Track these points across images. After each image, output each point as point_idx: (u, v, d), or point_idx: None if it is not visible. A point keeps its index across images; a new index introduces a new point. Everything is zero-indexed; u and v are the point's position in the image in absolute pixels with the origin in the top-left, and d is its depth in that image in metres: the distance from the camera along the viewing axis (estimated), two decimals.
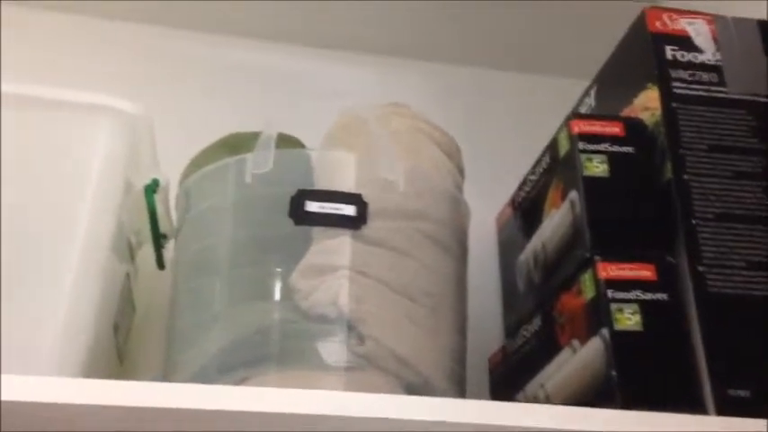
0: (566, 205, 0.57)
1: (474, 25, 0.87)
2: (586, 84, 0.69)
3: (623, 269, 0.50)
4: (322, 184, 0.57)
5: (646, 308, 0.49)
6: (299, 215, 0.54)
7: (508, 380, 0.64)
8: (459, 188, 0.65)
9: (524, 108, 0.86)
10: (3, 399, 0.43)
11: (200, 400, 0.43)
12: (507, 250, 0.73)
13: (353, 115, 0.65)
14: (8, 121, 0.54)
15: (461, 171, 0.67)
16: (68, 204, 0.53)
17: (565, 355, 0.54)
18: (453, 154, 0.67)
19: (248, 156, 0.56)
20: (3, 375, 0.43)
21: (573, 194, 0.56)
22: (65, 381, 0.45)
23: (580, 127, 0.57)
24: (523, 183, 0.68)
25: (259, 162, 0.56)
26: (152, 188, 0.63)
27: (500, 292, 0.73)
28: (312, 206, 0.54)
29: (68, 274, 0.51)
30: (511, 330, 0.66)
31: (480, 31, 0.86)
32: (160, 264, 0.68)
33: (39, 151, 0.54)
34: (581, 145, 0.56)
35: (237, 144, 0.67)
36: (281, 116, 0.74)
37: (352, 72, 0.86)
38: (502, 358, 0.68)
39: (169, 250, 0.67)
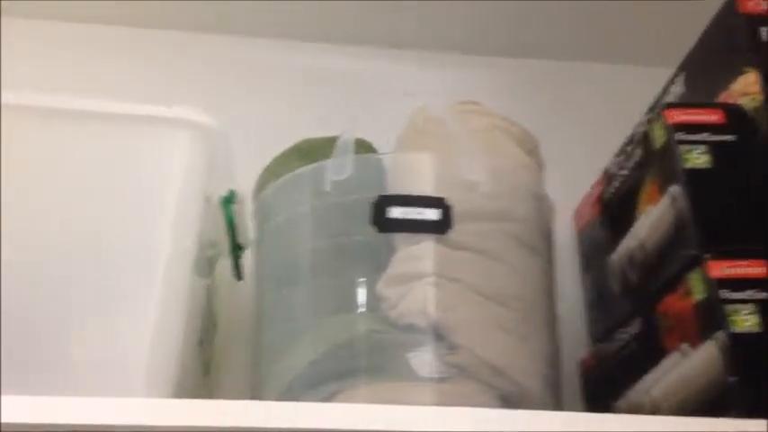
0: (665, 201, 0.54)
1: (540, 17, 0.84)
2: (651, 71, 0.66)
3: (735, 267, 0.47)
4: (398, 188, 0.55)
5: (764, 307, 0.46)
6: (381, 222, 0.52)
7: (604, 385, 0.61)
8: (541, 185, 0.63)
9: (594, 99, 0.83)
10: (98, 422, 0.43)
11: (296, 419, 0.42)
12: (591, 249, 0.69)
13: (427, 116, 0.63)
14: (89, 137, 0.53)
15: (541, 167, 0.64)
16: (150, 220, 0.52)
17: (672, 359, 0.51)
18: (533, 150, 0.64)
19: (326, 163, 0.55)
20: (96, 399, 0.42)
21: (673, 189, 0.52)
22: (157, 402, 0.45)
23: (676, 116, 0.53)
24: (610, 178, 0.65)
25: (338, 169, 0.54)
26: (229, 199, 0.63)
27: (583, 293, 0.71)
28: (395, 212, 0.52)
29: (154, 291, 0.50)
30: (601, 333, 0.63)
31: (542, 22, 0.83)
32: (237, 275, 0.68)
33: (118, 167, 0.53)
34: (679, 136, 0.52)
35: (310, 150, 0.66)
36: (340, 118, 0.76)
37: (420, 71, 0.83)
38: (595, 363, 0.64)
39: (245, 261, 0.66)
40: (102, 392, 0.44)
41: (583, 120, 0.82)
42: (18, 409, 0.42)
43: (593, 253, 0.69)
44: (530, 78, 0.84)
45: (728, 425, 0.43)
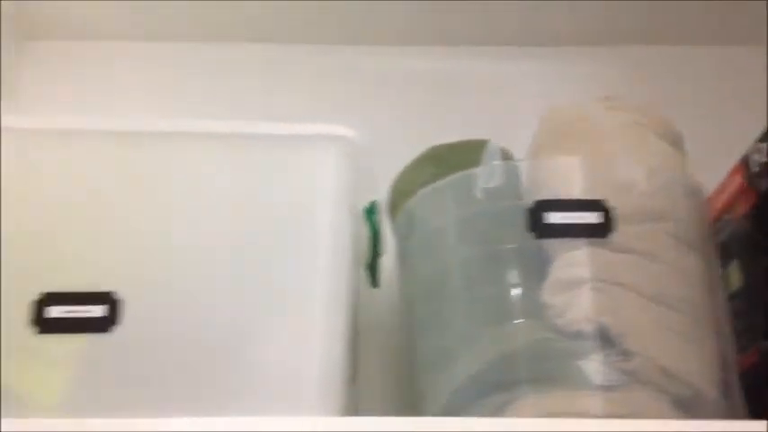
0: None
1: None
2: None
3: None
4: (544, 193, 0.54)
5: None
6: (539, 228, 0.51)
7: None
8: (691, 178, 0.61)
9: (716, 83, 0.80)
10: None
11: None
12: (737, 240, 0.67)
13: (564, 115, 0.63)
14: (240, 158, 0.54)
15: (685, 157, 0.62)
16: (308, 238, 0.53)
17: None
18: (678, 143, 0.62)
19: (475, 170, 0.55)
20: (269, 418, 0.44)
21: None
22: (333, 420, 0.47)
23: None
24: (763, 168, 0.62)
25: (488, 175, 0.54)
26: (372, 210, 0.64)
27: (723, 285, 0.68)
28: (553, 217, 0.52)
29: (315, 307, 0.51)
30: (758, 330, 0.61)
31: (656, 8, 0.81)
32: (375, 283, 0.69)
33: (268, 185, 0.54)
34: None
35: (441, 158, 0.66)
36: (472, 122, 0.75)
37: (537, 67, 0.81)
38: (757, 360, 0.62)
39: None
40: (272, 411, 0.46)
41: (703, 105, 0.80)
42: (187, 429, 0.44)
43: (742, 245, 0.66)
44: (643, 65, 0.81)
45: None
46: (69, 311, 0.48)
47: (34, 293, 0.48)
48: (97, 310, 0.48)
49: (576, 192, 0.53)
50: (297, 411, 0.48)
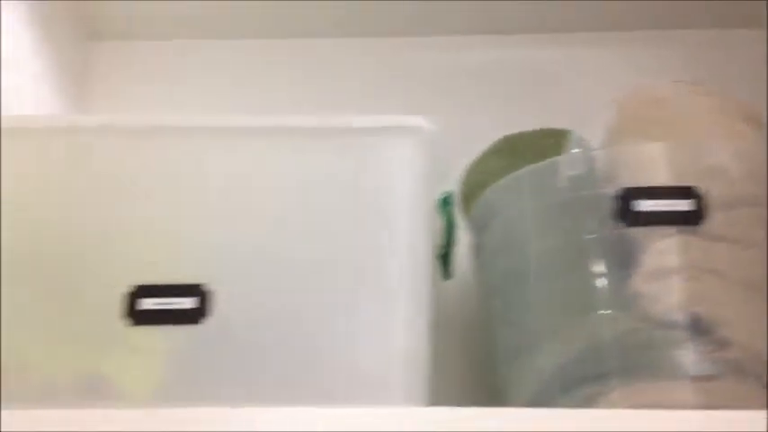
0: None
1: None
2: None
3: None
4: (628, 180, 0.53)
5: None
6: (628, 216, 0.50)
7: None
8: None
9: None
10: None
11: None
12: None
13: (642, 100, 0.61)
14: (319, 152, 0.54)
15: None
16: (387, 230, 0.52)
17: None
18: (761, 126, 0.60)
19: (556, 159, 0.54)
20: (357, 408, 0.44)
21: None
22: (420, 411, 0.46)
23: None
24: None
25: (572, 163, 0.53)
26: (447, 201, 0.63)
27: None
28: (643, 205, 0.51)
29: (400, 297, 0.50)
30: None
31: None
32: (447, 274, 0.69)
33: (345, 179, 0.54)
34: None
35: (516, 147, 0.66)
36: (541, 110, 0.74)
37: (605, 54, 0.79)
38: None
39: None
40: (359, 402, 0.46)
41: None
42: (279, 418, 0.44)
43: None
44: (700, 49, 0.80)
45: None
46: (161, 303, 0.48)
47: (127, 285, 0.49)
48: (188, 302, 0.48)
49: (664, 178, 0.52)
50: (382, 401, 0.47)
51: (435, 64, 0.78)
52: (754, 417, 0.41)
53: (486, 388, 0.58)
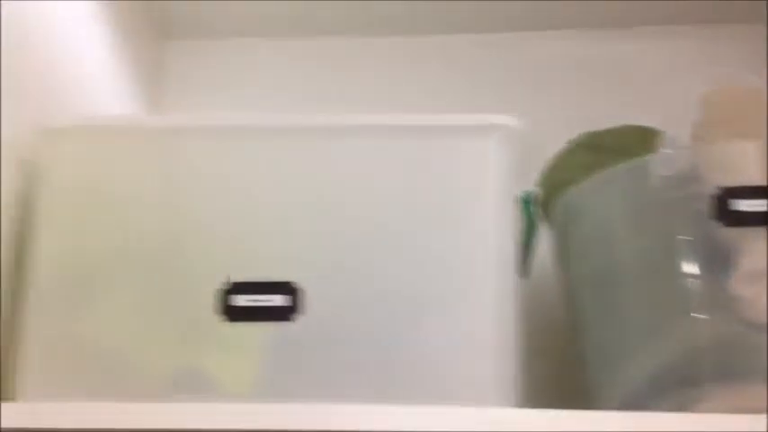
0: None
1: None
2: None
3: None
4: (721, 179, 0.51)
5: None
6: (726, 216, 0.49)
7: None
8: None
9: None
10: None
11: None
12: None
13: (731, 96, 0.60)
14: (403, 151, 0.54)
15: None
16: (474, 227, 0.52)
17: None
18: None
19: (648, 158, 0.53)
20: (444, 408, 0.44)
21: None
22: (510, 412, 0.46)
23: None
24: None
25: (664, 163, 0.52)
26: (528, 200, 0.63)
27: None
28: (740, 204, 0.49)
29: (487, 295, 0.50)
30: None
31: None
32: (525, 273, 0.68)
33: (432, 178, 0.53)
34: None
35: (598, 144, 0.64)
36: (623, 106, 0.73)
37: (689, 48, 0.77)
38: None
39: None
40: (456, 401, 0.46)
41: None
42: (371, 416, 0.45)
43: None
44: None
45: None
46: (253, 300, 0.49)
47: (221, 282, 0.49)
48: (279, 300, 0.49)
49: (760, 177, 0.50)
50: (472, 401, 0.47)
51: (517, 60, 0.77)
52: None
53: (564, 389, 0.57)
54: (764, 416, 0.42)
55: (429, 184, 0.53)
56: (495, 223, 0.53)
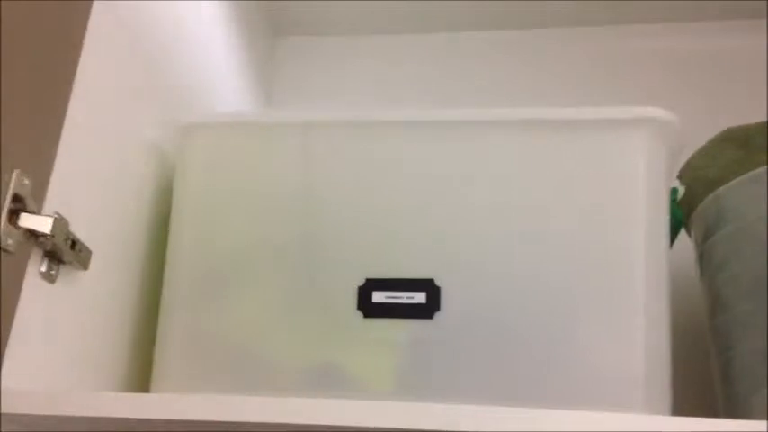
0: None
1: None
2: None
3: None
4: None
5: None
6: None
7: None
8: None
9: None
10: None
11: None
12: None
13: None
14: (560, 145, 0.51)
15: None
16: (625, 224, 0.49)
17: None
18: None
19: None
20: (597, 413, 0.41)
21: None
22: (661, 420, 0.43)
23: None
24: None
25: None
26: (673, 196, 0.59)
27: None
28: None
29: (637, 296, 0.47)
30: None
31: None
32: None
33: (579, 173, 0.51)
34: None
35: (746, 139, 0.60)
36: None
37: None
38: None
39: None
40: (603, 407, 0.44)
41: None
42: (514, 419, 0.43)
43: None
44: None
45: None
46: (392, 297, 0.48)
47: (361, 279, 0.49)
48: (419, 297, 0.48)
49: None
50: (623, 407, 0.45)
51: (661, 52, 0.74)
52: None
53: (698, 396, 0.54)
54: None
55: (576, 180, 0.51)
56: (647, 219, 0.50)
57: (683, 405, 0.56)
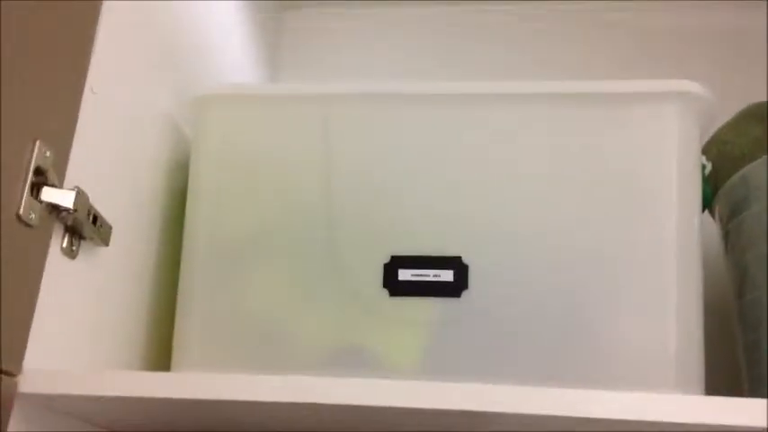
0: None
1: None
2: None
3: None
4: None
5: None
6: None
7: None
8: None
9: None
10: (631, 418, 0.41)
11: None
12: None
13: None
14: (589, 119, 0.50)
15: None
16: (655, 199, 0.48)
17: None
18: None
19: None
20: (631, 394, 0.40)
21: None
22: (694, 399, 0.41)
23: None
24: None
25: None
26: (702, 172, 0.58)
27: None
28: None
29: (670, 276, 0.46)
30: None
31: None
32: None
33: (609, 149, 0.49)
34: None
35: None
36: None
37: None
38: None
39: None
40: (635, 387, 0.43)
41: None
42: (542, 399, 0.42)
43: None
44: None
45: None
46: (419, 275, 0.47)
47: (386, 256, 0.48)
48: (446, 275, 0.47)
49: None
50: (655, 387, 0.44)
51: (691, 27, 0.73)
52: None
53: (726, 376, 0.53)
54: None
55: (606, 155, 0.49)
56: (680, 194, 0.49)
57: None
